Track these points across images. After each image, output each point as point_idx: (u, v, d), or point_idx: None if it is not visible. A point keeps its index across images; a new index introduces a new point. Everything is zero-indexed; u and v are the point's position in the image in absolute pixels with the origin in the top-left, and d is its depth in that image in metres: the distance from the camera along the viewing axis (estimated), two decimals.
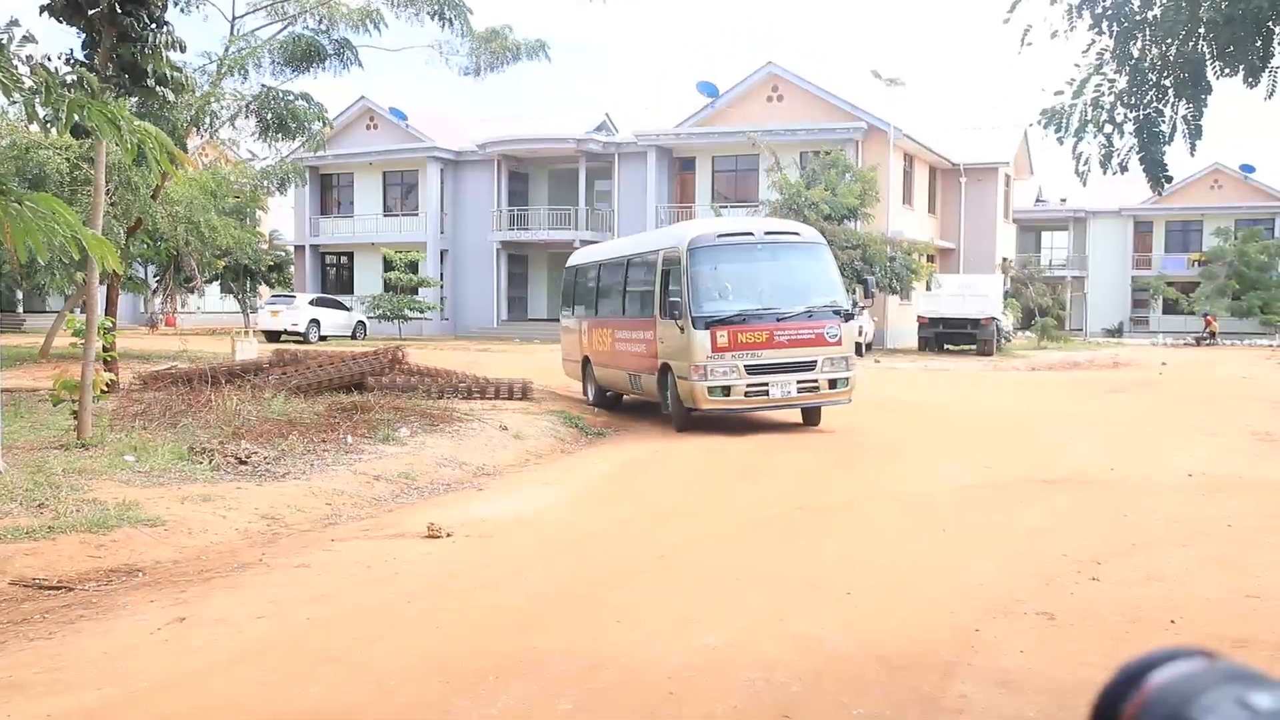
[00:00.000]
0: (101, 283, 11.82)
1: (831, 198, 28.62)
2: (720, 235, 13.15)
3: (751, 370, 12.33)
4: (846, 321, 12.87)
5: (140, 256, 25.42)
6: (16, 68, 8.16)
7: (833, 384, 12.66)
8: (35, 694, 4.27)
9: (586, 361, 15.81)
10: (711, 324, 12.24)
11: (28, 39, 9.65)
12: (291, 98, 17.33)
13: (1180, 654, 0.61)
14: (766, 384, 12.37)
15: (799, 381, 12.46)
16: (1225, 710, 0.55)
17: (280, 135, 17.95)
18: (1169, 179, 6.81)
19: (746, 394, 12.37)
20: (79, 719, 4.04)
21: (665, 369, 12.90)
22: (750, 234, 13.29)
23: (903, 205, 35.25)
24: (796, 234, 13.70)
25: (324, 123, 18.16)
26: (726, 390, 12.29)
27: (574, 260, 18.04)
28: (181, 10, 16.68)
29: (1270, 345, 40.67)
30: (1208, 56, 6.20)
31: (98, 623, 5.25)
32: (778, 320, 12.49)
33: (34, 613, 5.43)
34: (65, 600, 5.65)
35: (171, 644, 4.91)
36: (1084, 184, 7.44)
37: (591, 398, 15.56)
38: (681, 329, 12.43)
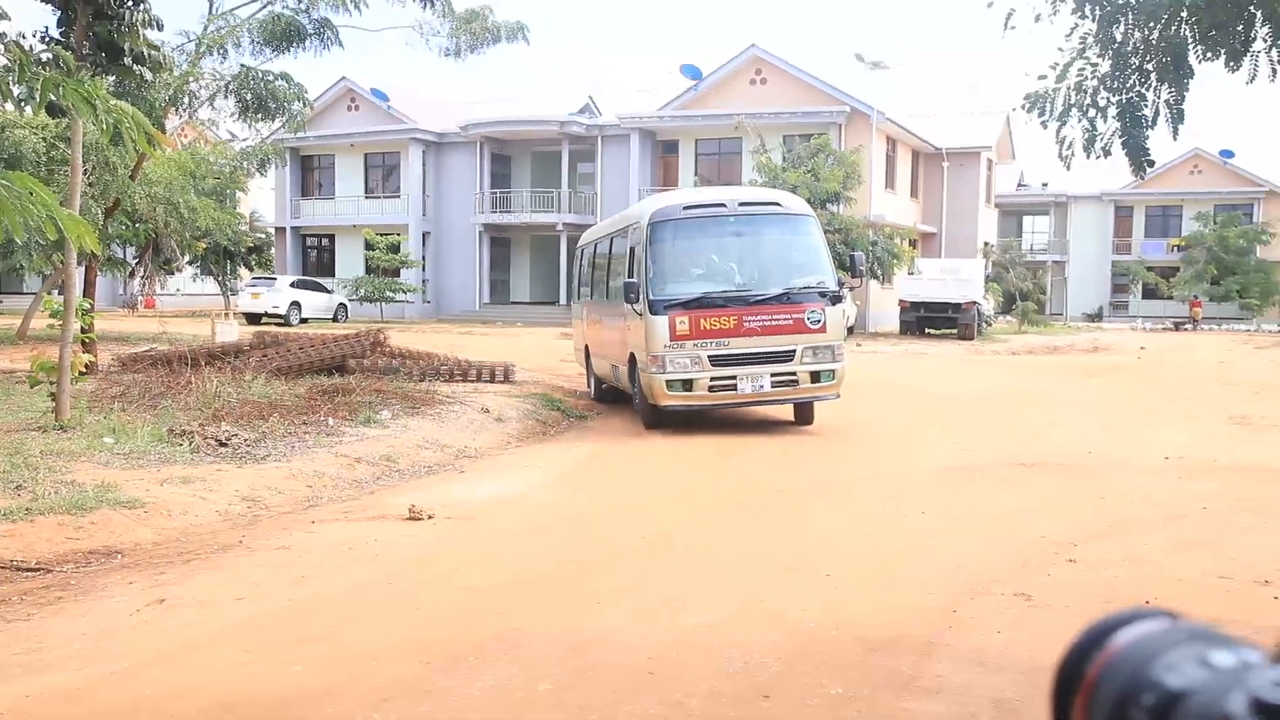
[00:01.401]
0: (79, 264, 11.73)
1: (813, 181, 28.61)
2: (686, 207, 11.69)
3: (717, 361, 10.90)
4: (833, 305, 11.27)
5: (119, 237, 25.18)
6: None
7: (815, 377, 11.13)
8: (14, 675, 4.26)
9: (587, 352, 14.52)
10: (670, 308, 10.87)
11: (1, 16, 9.51)
12: (271, 78, 17.14)
13: (1145, 615, 0.62)
14: (734, 377, 10.94)
15: (774, 374, 10.99)
16: (1186, 668, 0.56)
17: (260, 116, 17.75)
18: (1151, 163, 6.85)
19: (711, 389, 10.97)
20: (58, 699, 4.03)
21: (634, 359, 11.57)
22: (721, 205, 11.72)
23: (885, 189, 35.30)
24: (777, 204, 12.09)
25: (304, 103, 17.98)
26: (688, 384, 10.92)
27: (581, 240, 16.52)
28: None
29: (1248, 330, 41.04)
30: (1190, 41, 6.22)
31: (77, 604, 5.23)
32: (748, 304, 10.98)
33: (12, 594, 5.40)
34: (44, 582, 5.62)
35: (151, 625, 4.90)
36: (1068, 168, 7.45)
37: (593, 392, 14.31)
38: (640, 314, 11.12)
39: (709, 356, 10.91)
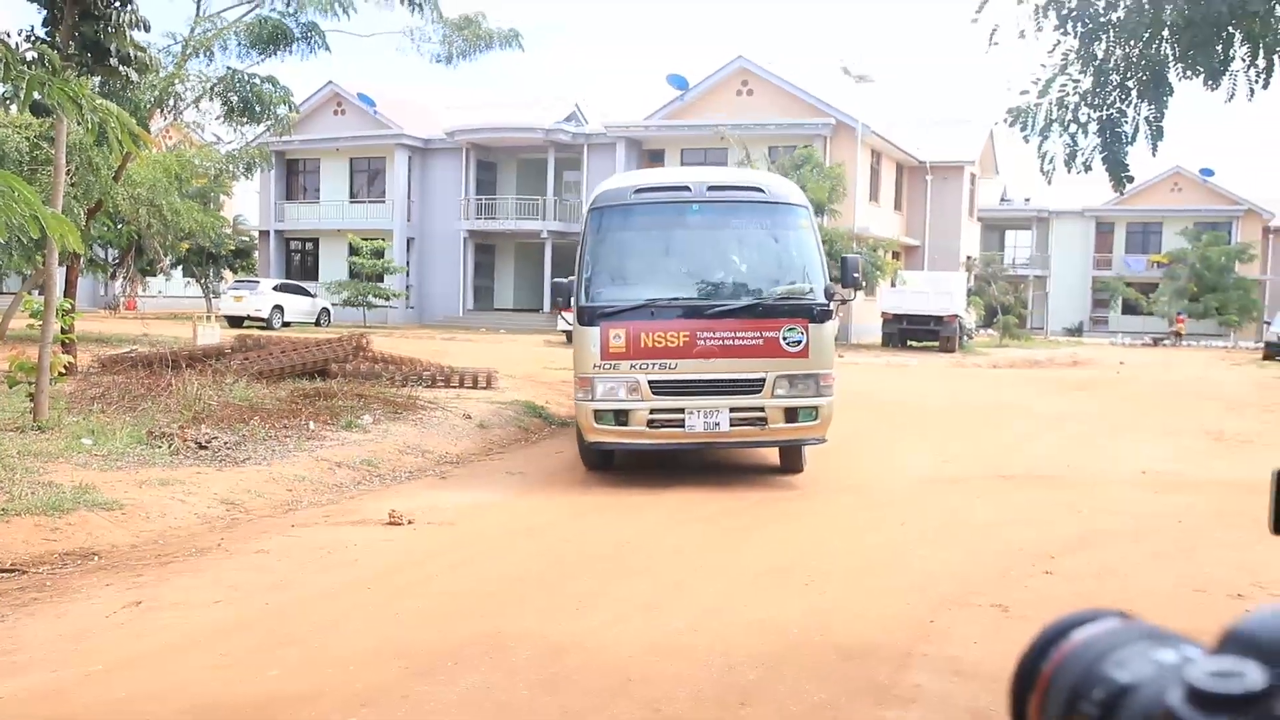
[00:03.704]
0: (61, 264, 11.66)
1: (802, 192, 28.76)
2: (639, 190, 9.23)
3: (659, 389, 8.53)
4: (820, 322, 8.74)
5: (101, 238, 25.06)
6: None
7: (791, 415, 8.60)
8: None
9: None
10: (604, 318, 8.63)
11: None
12: (257, 81, 17.12)
13: (1099, 615, 0.64)
14: (681, 410, 8.54)
15: (735, 409, 8.53)
16: (1135, 665, 0.59)
17: (246, 119, 17.73)
18: (1130, 179, 6.93)
19: (651, 424, 8.56)
20: (32, 701, 4.00)
21: None
22: (685, 189, 9.23)
23: (869, 202, 35.48)
24: (759, 189, 9.41)
25: (290, 107, 17.96)
26: (621, 417, 8.56)
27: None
28: None
29: (1226, 346, 41.41)
30: (1170, 59, 6.31)
31: (52, 606, 5.20)
32: (705, 316, 8.61)
33: None
34: (19, 583, 5.59)
35: (127, 627, 4.87)
36: (1049, 183, 7.53)
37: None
38: (570, 324, 9.09)
39: (649, 382, 8.55)
